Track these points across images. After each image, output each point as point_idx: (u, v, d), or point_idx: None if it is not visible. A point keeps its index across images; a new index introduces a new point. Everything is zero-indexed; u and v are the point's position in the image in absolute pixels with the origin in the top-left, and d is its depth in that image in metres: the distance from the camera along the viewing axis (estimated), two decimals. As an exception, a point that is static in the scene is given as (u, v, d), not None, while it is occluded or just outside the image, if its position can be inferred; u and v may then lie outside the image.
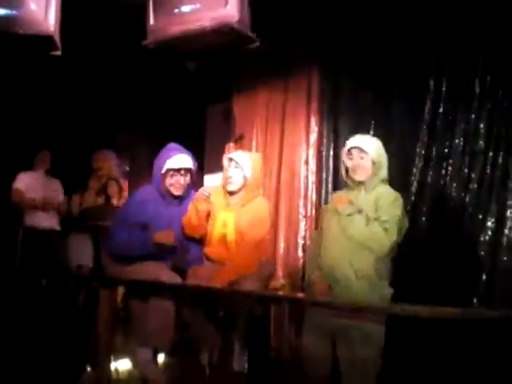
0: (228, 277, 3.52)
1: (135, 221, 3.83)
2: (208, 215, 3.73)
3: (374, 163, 3.22)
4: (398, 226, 3.13)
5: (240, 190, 3.75)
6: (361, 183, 3.26)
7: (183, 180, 3.80)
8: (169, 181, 3.79)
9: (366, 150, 3.21)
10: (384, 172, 3.26)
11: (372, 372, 3.12)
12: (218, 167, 5.55)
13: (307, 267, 3.51)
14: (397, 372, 3.50)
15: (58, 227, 5.91)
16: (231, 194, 3.77)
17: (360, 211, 3.18)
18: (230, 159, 3.78)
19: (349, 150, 3.29)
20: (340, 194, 3.51)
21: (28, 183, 5.81)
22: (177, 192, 3.81)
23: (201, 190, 3.82)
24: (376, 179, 3.23)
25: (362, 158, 3.22)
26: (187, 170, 3.79)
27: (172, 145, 3.90)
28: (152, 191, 3.90)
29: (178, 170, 3.76)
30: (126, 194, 5.97)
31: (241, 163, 3.72)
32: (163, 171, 3.77)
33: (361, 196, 3.25)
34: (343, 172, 3.36)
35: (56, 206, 5.94)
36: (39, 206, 5.78)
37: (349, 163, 3.29)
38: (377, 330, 3.13)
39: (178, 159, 3.77)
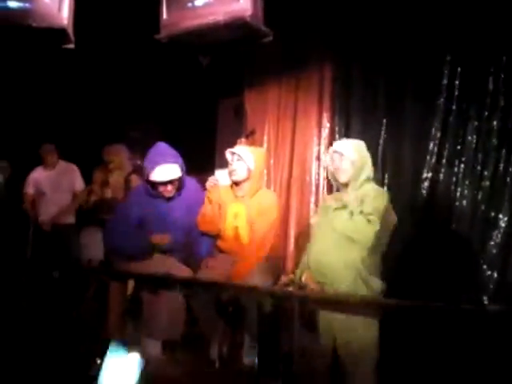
0: (244, 271, 3.59)
1: (132, 217, 3.88)
2: (219, 208, 3.79)
3: (353, 164, 3.36)
4: (381, 218, 3.22)
5: (245, 181, 3.82)
6: (346, 184, 3.40)
7: (171, 187, 3.84)
8: (158, 188, 3.84)
9: (345, 154, 3.38)
10: (367, 171, 3.40)
11: (370, 366, 3.18)
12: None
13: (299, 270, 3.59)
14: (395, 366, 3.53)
15: (72, 220, 5.86)
16: (237, 184, 3.85)
17: (345, 206, 3.31)
18: (233, 153, 3.85)
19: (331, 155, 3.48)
20: (331, 195, 3.65)
21: (37, 181, 5.79)
22: (168, 195, 3.85)
23: (209, 179, 3.89)
24: (359, 179, 3.37)
25: (341, 160, 3.39)
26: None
27: (158, 149, 3.90)
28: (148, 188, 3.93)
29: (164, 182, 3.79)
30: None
31: (243, 156, 3.80)
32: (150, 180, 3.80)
33: (347, 195, 3.38)
34: (329, 175, 3.53)
35: (71, 195, 5.84)
36: (50, 201, 5.75)
37: (330, 167, 3.48)
38: (371, 324, 3.21)
39: (161, 172, 3.78)
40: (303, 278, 3.42)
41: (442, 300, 2.47)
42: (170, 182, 3.82)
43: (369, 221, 3.21)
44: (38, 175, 5.84)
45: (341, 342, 3.25)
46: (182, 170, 3.85)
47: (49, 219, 5.73)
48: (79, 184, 5.89)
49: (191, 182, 4.04)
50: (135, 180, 5.94)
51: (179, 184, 3.88)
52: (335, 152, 3.45)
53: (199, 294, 3.72)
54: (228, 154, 3.92)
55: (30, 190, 5.75)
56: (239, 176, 3.83)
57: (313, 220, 3.61)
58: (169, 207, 3.89)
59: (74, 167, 5.94)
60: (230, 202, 3.86)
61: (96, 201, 5.93)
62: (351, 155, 3.38)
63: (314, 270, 3.37)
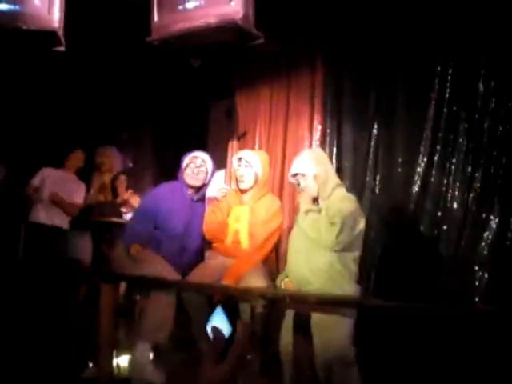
0: (239, 273, 3.57)
1: (151, 215, 3.89)
2: (228, 214, 3.80)
3: (316, 179, 3.51)
4: (346, 220, 3.31)
5: (252, 187, 3.81)
6: (316, 198, 3.54)
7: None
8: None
9: (304, 173, 3.56)
10: (331, 182, 3.54)
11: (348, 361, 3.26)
12: (220, 164, 5.55)
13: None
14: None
15: (65, 225, 5.80)
16: (243, 191, 3.83)
17: (311, 210, 3.46)
18: (240, 158, 3.84)
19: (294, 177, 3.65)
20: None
21: (45, 178, 5.76)
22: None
23: (219, 189, 3.88)
24: (326, 190, 3.51)
25: (305, 180, 3.56)
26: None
27: None
28: (171, 187, 3.95)
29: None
30: (129, 194, 5.95)
31: (251, 161, 3.79)
32: None
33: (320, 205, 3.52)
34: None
35: (66, 206, 5.79)
36: (45, 200, 5.70)
37: (298, 188, 3.63)
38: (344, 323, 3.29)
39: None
40: (283, 285, 3.51)
41: (433, 302, 2.50)
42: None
43: (332, 223, 3.30)
44: (49, 171, 5.83)
45: (317, 342, 3.32)
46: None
47: (49, 193, 5.71)
48: (80, 198, 5.88)
49: None
50: (123, 181, 5.94)
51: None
52: (296, 174, 3.60)
53: (191, 296, 3.71)
54: (234, 159, 3.92)
55: (36, 181, 5.73)
56: (248, 183, 3.82)
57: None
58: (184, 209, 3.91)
59: (83, 185, 5.96)
60: (234, 206, 3.86)
61: (91, 204, 5.92)
62: (310, 172, 3.53)
63: (291, 276, 3.48)
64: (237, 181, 3.89)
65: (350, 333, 3.31)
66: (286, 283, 3.50)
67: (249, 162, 3.81)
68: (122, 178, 5.99)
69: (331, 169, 3.68)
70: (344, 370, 3.25)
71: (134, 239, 3.83)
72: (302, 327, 3.35)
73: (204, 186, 4.03)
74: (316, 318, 3.31)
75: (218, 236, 3.83)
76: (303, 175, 3.53)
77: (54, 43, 3.59)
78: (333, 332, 3.26)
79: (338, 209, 3.35)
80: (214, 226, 3.83)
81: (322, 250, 3.34)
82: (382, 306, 2.94)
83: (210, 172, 3.96)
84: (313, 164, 3.55)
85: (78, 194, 5.86)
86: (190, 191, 4.00)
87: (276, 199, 4.01)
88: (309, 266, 3.36)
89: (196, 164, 3.96)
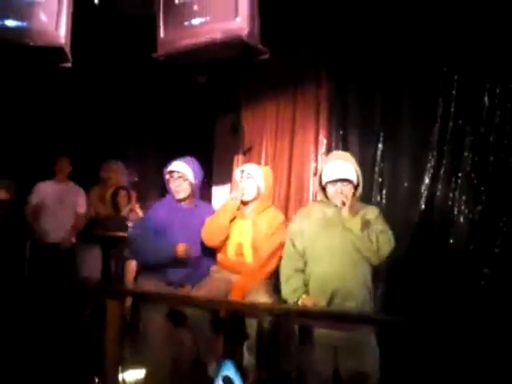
0: (245, 288, 3.56)
1: (151, 228, 3.89)
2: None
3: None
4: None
5: (254, 199, 3.80)
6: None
7: (178, 182, 3.93)
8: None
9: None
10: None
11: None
12: (226, 179, 5.56)
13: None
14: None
15: (72, 239, 5.78)
16: (245, 204, 3.82)
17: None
18: (242, 171, 3.85)
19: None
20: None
21: (44, 196, 5.74)
22: (176, 188, 3.96)
23: (231, 196, 3.86)
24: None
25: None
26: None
27: None
28: (168, 200, 3.99)
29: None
30: (135, 204, 5.96)
31: (253, 174, 3.79)
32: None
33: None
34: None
35: (80, 224, 5.81)
36: (51, 215, 5.70)
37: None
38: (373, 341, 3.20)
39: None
40: (300, 303, 3.38)
41: (441, 315, 2.48)
42: (179, 175, 3.91)
43: (383, 233, 3.28)
44: (46, 187, 5.80)
45: (343, 367, 3.22)
46: (194, 176, 3.92)
47: (53, 206, 5.71)
48: (82, 206, 5.86)
49: (206, 204, 4.10)
50: (124, 196, 5.96)
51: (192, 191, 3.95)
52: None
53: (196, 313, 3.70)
54: (237, 172, 3.92)
55: (33, 200, 5.70)
56: (249, 195, 3.80)
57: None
58: (181, 220, 3.91)
59: (82, 191, 5.93)
60: (236, 219, 3.83)
61: (96, 218, 5.92)
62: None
63: (319, 290, 3.33)
64: (240, 194, 3.87)
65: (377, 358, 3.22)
66: (303, 300, 3.38)
67: (251, 174, 3.80)
68: (123, 193, 6.00)
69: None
70: None
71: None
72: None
73: (193, 193, 4.00)
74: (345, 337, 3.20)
75: (217, 237, 3.78)
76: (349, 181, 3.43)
77: (61, 59, 3.61)
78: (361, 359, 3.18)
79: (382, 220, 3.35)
80: (213, 227, 3.79)
81: (362, 260, 3.30)
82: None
83: (193, 178, 3.92)
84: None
85: (80, 204, 5.85)
86: (182, 202, 3.99)
87: (279, 213, 3.96)
88: (353, 278, 3.30)
89: (174, 177, 3.96)
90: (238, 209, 3.84)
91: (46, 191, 5.76)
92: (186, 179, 3.90)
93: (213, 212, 3.94)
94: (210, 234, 3.80)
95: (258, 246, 3.70)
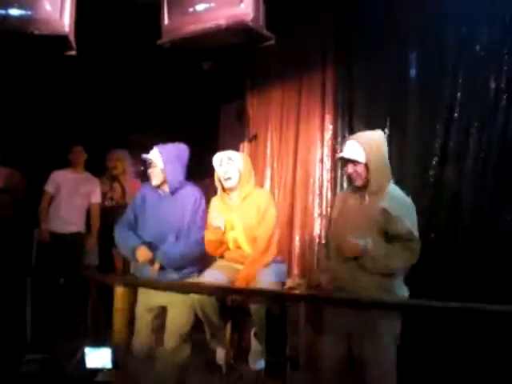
0: (249, 278, 3.56)
1: (133, 217, 3.92)
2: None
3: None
4: None
5: (237, 185, 3.75)
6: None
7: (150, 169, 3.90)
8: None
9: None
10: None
11: (389, 370, 3.11)
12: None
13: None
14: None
15: (82, 229, 5.79)
16: (229, 191, 3.78)
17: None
18: (221, 158, 3.78)
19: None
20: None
21: (59, 185, 5.72)
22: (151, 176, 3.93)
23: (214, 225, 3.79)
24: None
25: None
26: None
27: None
28: (147, 187, 4.00)
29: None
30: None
31: (232, 157, 3.75)
32: None
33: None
34: None
35: (86, 204, 5.80)
36: (63, 203, 5.68)
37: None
38: (389, 327, 3.13)
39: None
40: (322, 281, 3.31)
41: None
42: (149, 162, 3.89)
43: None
44: (62, 175, 5.79)
45: (356, 347, 3.17)
46: (163, 159, 3.86)
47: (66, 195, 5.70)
48: (96, 197, 5.86)
49: (194, 191, 4.01)
50: (117, 188, 5.99)
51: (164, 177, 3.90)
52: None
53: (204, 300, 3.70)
54: (215, 160, 3.82)
55: (50, 188, 5.70)
56: (233, 180, 3.73)
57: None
58: (163, 206, 3.90)
59: (96, 181, 5.92)
60: (224, 213, 3.74)
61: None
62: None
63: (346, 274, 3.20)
64: (221, 183, 3.81)
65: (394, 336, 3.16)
66: (326, 280, 3.26)
67: (231, 159, 3.77)
68: (116, 185, 6.03)
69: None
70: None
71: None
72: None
73: (167, 178, 3.96)
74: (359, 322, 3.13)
75: (219, 251, 3.82)
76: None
77: (66, 48, 3.61)
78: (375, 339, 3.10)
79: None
80: (211, 245, 3.79)
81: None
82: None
83: (163, 164, 3.88)
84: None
85: (94, 194, 5.85)
86: (159, 189, 3.97)
87: (262, 191, 3.97)
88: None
89: (148, 167, 3.95)
90: (224, 201, 3.81)
91: (62, 179, 5.77)
92: (155, 166, 3.87)
93: (195, 199, 3.88)
94: (211, 252, 3.84)
95: (253, 234, 3.68)
